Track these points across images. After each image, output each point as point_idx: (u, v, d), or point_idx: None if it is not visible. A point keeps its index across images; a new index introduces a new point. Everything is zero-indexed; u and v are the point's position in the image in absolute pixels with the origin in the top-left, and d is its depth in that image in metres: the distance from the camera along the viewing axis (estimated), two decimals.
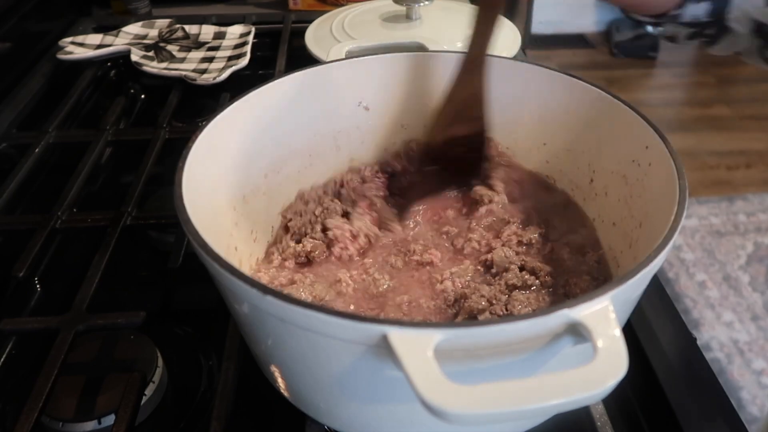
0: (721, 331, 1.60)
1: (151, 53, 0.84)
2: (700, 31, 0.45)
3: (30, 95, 0.78)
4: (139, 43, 0.85)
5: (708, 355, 1.52)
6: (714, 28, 0.44)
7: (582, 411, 0.42)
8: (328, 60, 0.51)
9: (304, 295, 0.41)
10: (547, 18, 2.78)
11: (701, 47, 0.48)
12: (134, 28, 0.88)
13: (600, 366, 0.26)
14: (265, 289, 0.29)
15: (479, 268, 0.44)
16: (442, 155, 0.47)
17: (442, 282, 0.42)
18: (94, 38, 0.86)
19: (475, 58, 0.45)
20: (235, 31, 0.88)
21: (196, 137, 0.40)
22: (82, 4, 1.02)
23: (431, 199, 0.49)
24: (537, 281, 0.42)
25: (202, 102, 0.79)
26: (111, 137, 0.68)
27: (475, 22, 0.44)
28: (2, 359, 0.46)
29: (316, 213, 0.48)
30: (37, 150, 0.65)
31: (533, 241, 0.45)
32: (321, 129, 0.51)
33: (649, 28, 0.49)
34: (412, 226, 0.48)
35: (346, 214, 0.48)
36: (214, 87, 0.76)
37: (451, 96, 0.46)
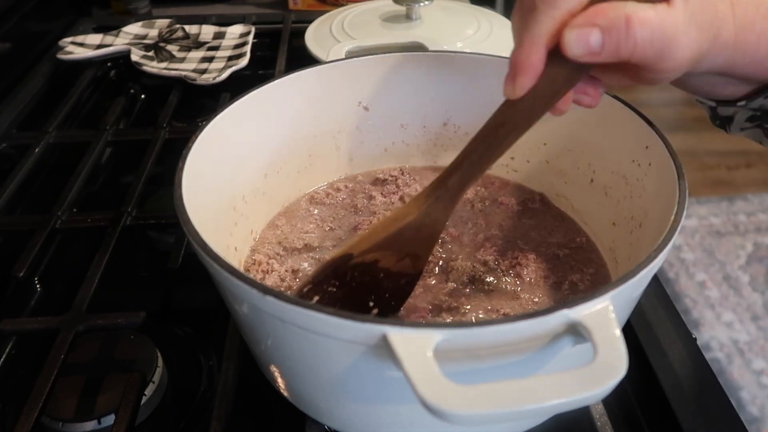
0: (721, 331, 1.60)
1: (151, 53, 0.84)
2: (761, 116, 0.40)
3: (30, 95, 0.78)
4: (139, 43, 0.85)
5: (708, 355, 1.52)
6: None
7: (582, 411, 0.42)
8: (328, 60, 0.51)
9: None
10: None
11: (756, 138, 0.43)
12: (134, 28, 0.88)
13: (600, 366, 0.26)
14: (265, 289, 0.29)
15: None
16: (351, 277, 0.37)
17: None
18: (94, 38, 0.86)
19: (455, 189, 0.37)
20: (235, 31, 0.88)
21: (196, 137, 0.40)
22: (82, 4, 1.03)
23: None
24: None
25: (202, 102, 0.79)
26: (111, 137, 0.68)
27: (475, 141, 0.36)
28: (2, 359, 0.46)
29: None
30: (37, 150, 0.65)
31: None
32: (321, 129, 0.51)
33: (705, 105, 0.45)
34: None
35: None
36: (214, 87, 0.75)
37: (404, 217, 0.37)
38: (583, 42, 0.31)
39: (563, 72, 0.32)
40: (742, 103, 0.40)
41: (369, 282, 0.38)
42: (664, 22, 0.30)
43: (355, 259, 0.37)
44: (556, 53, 0.32)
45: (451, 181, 0.36)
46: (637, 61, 0.31)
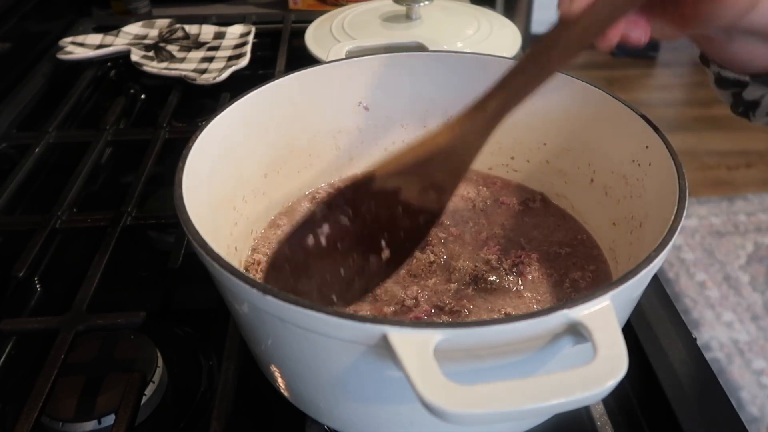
0: (721, 331, 1.60)
1: (151, 53, 0.84)
2: None
3: (30, 95, 0.78)
4: (139, 43, 0.85)
5: (708, 355, 1.52)
6: None
7: (582, 411, 0.42)
8: (328, 60, 0.51)
9: None
10: (547, 18, 2.76)
11: None
12: (134, 28, 0.88)
13: (600, 366, 0.26)
14: (265, 289, 0.29)
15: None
16: (367, 208, 0.35)
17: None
18: (94, 38, 0.86)
19: (493, 113, 0.34)
20: (235, 31, 0.88)
21: (196, 137, 0.40)
22: (82, 4, 1.03)
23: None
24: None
25: (202, 102, 0.79)
26: (111, 137, 0.68)
27: (521, 64, 0.33)
28: (2, 359, 0.46)
29: None
30: (37, 150, 0.65)
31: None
32: (321, 129, 0.51)
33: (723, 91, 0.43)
34: None
35: None
36: (214, 87, 0.75)
37: (435, 139, 0.34)
38: None
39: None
40: None
41: (385, 216, 0.35)
42: None
43: (377, 183, 0.34)
44: None
45: (491, 104, 0.33)
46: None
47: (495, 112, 0.34)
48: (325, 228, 0.34)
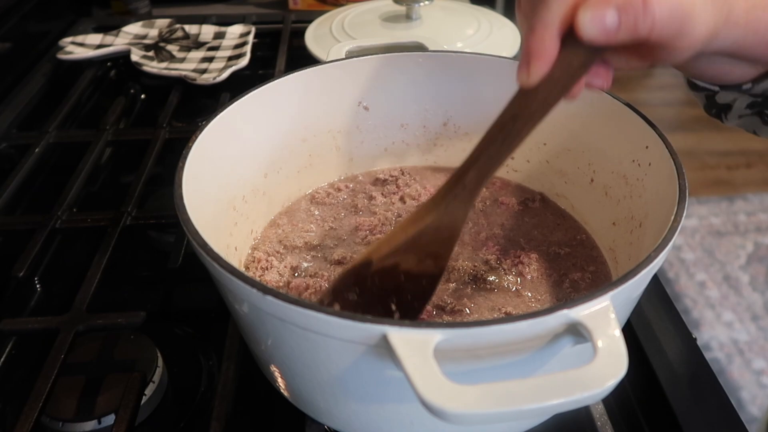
0: (721, 331, 1.60)
1: (151, 53, 0.84)
2: (762, 102, 0.39)
3: (30, 95, 0.78)
4: (139, 43, 0.85)
5: (708, 355, 1.52)
6: None
7: (582, 411, 0.42)
8: (328, 60, 0.51)
9: None
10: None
11: (751, 127, 0.42)
12: (134, 28, 0.88)
13: (600, 366, 0.26)
14: (265, 289, 0.29)
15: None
16: (371, 283, 0.36)
17: None
18: (94, 38, 0.86)
19: (472, 185, 0.35)
20: (235, 31, 0.88)
21: (196, 137, 0.40)
22: (82, 4, 1.03)
23: None
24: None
25: (202, 102, 0.79)
26: (111, 137, 0.68)
27: (490, 134, 0.34)
28: (2, 359, 0.46)
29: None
30: (37, 150, 0.65)
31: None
32: (321, 129, 0.51)
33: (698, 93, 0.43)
34: None
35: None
36: (214, 87, 0.75)
37: (422, 218, 0.36)
38: (598, 23, 0.29)
39: (578, 56, 0.31)
40: (748, 86, 0.38)
41: (390, 286, 0.37)
42: None
43: (375, 266, 0.36)
44: (569, 38, 0.31)
45: (468, 178, 0.35)
46: (655, 40, 0.30)
47: (473, 184, 0.35)
48: (336, 307, 0.36)
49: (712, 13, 0.31)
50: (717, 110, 0.43)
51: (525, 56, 0.32)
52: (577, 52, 0.31)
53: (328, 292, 0.37)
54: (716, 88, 0.41)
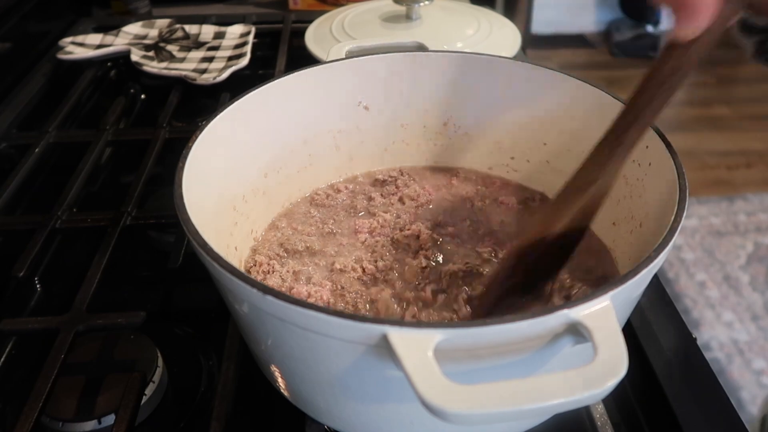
0: (721, 331, 1.60)
1: (151, 53, 0.84)
2: None
3: (30, 95, 0.78)
4: (139, 43, 0.85)
5: (708, 355, 1.52)
6: None
7: (582, 411, 0.42)
8: (328, 60, 0.51)
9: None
10: (547, 18, 2.77)
11: None
12: (134, 28, 0.88)
13: (600, 366, 0.26)
14: (265, 289, 0.29)
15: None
16: (536, 257, 0.37)
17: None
18: (94, 38, 0.86)
19: (631, 143, 0.35)
20: (235, 31, 0.88)
21: (196, 137, 0.40)
22: (82, 4, 1.03)
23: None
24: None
25: (202, 102, 0.79)
26: (111, 137, 0.68)
27: (649, 90, 0.34)
28: (2, 359, 0.46)
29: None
30: (37, 150, 0.65)
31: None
32: (321, 129, 0.51)
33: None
34: None
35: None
36: (214, 87, 0.75)
37: (589, 186, 0.36)
38: None
39: (730, 5, 0.32)
40: None
41: (544, 253, 0.38)
42: None
43: (547, 240, 0.37)
44: None
45: (629, 137, 0.35)
46: None
47: (632, 142, 0.36)
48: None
49: None
50: (766, 56, 0.43)
51: (687, 9, 0.31)
52: (730, 2, 0.31)
53: (497, 277, 0.38)
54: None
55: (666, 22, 2.70)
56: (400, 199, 0.51)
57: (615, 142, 0.36)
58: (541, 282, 0.40)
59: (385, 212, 0.49)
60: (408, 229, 0.47)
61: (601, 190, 0.37)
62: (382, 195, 0.51)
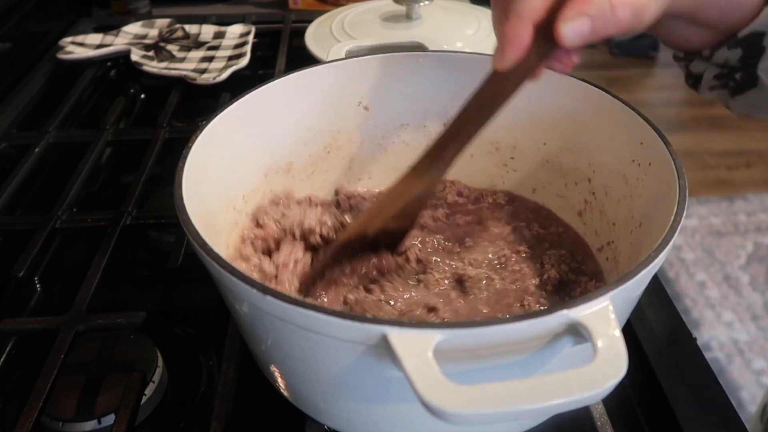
0: (721, 331, 1.60)
1: (151, 53, 0.84)
2: (727, 74, 0.43)
3: (30, 95, 0.78)
4: (139, 43, 0.85)
5: (708, 355, 1.52)
6: (741, 75, 0.43)
7: (582, 411, 0.42)
8: (328, 60, 0.51)
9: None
10: None
11: (722, 99, 0.46)
12: (134, 28, 0.88)
13: (600, 366, 0.26)
14: (265, 289, 0.29)
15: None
16: (360, 247, 0.42)
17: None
18: (94, 38, 0.86)
19: (450, 157, 0.40)
20: (235, 30, 0.88)
21: (196, 137, 0.40)
22: (82, 4, 1.03)
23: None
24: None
25: (202, 102, 0.79)
26: (111, 137, 0.68)
27: (468, 113, 0.39)
28: (2, 359, 0.46)
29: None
30: (37, 150, 0.65)
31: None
32: (321, 129, 0.51)
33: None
34: None
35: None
36: (214, 87, 0.75)
37: (408, 190, 0.41)
38: (577, 32, 0.34)
39: (546, 44, 0.35)
40: (707, 52, 0.42)
41: (372, 243, 0.42)
42: None
43: (369, 236, 0.42)
44: (539, 30, 0.35)
45: (447, 152, 0.40)
46: (615, 34, 0.35)
47: (451, 156, 0.40)
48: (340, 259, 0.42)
49: None
50: (693, 80, 0.46)
51: (501, 43, 0.36)
52: (547, 41, 0.35)
53: (326, 262, 0.42)
54: (681, 54, 0.45)
55: None
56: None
57: (435, 156, 0.40)
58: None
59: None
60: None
61: (422, 196, 0.42)
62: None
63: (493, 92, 0.38)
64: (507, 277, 0.44)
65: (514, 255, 0.45)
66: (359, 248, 0.42)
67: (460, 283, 0.43)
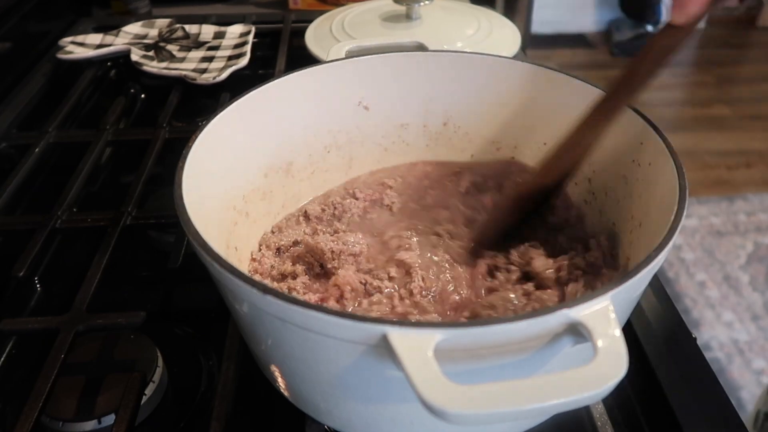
0: (721, 330, 1.60)
1: (151, 53, 0.84)
2: None
3: (30, 95, 0.78)
4: (139, 43, 0.85)
5: (708, 355, 1.52)
6: None
7: (582, 411, 0.42)
8: (328, 60, 0.51)
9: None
10: (547, 18, 2.77)
11: None
12: (134, 28, 0.88)
13: (600, 366, 0.26)
14: (265, 289, 0.29)
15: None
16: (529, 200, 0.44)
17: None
18: (94, 38, 0.86)
19: (619, 110, 0.41)
20: (235, 30, 0.88)
21: (196, 137, 0.40)
22: (82, 4, 1.03)
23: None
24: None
25: (202, 102, 0.79)
26: (111, 137, 0.68)
27: (643, 64, 0.40)
28: (2, 359, 0.46)
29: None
30: (37, 150, 0.65)
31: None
32: (321, 129, 0.51)
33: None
34: None
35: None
36: (214, 87, 0.75)
37: (581, 141, 0.43)
38: None
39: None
40: None
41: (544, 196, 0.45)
42: None
43: (545, 185, 0.44)
44: None
45: (621, 97, 0.41)
46: None
47: (620, 104, 0.41)
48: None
49: None
50: None
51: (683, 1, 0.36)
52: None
53: (498, 221, 0.45)
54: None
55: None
56: (389, 207, 0.51)
57: (610, 108, 0.41)
58: (519, 230, 0.45)
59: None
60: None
61: (585, 150, 0.43)
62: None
63: (670, 44, 0.39)
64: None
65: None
66: (533, 203, 0.44)
67: None
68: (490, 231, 0.46)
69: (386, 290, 0.42)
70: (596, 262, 0.43)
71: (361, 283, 0.42)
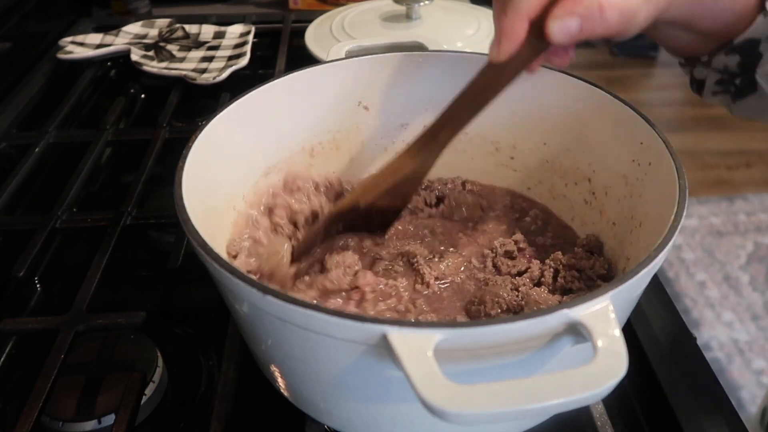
0: (721, 330, 1.60)
1: (151, 53, 0.84)
2: (728, 79, 0.44)
3: (30, 95, 0.78)
4: (139, 43, 0.85)
5: (708, 355, 1.52)
6: (741, 80, 0.43)
7: (582, 411, 0.42)
8: (328, 60, 0.51)
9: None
10: None
11: (725, 104, 0.46)
12: (134, 28, 0.88)
13: (600, 366, 0.26)
14: (265, 289, 0.29)
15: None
16: (352, 219, 0.44)
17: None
18: (94, 38, 0.86)
19: (444, 141, 0.42)
20: (235, 30, 0.88)
21: (196, 137, 0.40)
22: (82, 4, 1.03)
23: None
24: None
25: (202, 102, 0.79)
26: (111, 137, 0.68)
27: (463, 100, 0.41)
28: (2, 359, 0.46)
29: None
30: (37, 150, 0.65)
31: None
32: (321, 129, 0.51)
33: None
34: None
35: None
36: (214, 87, 0.75)
37: (401, 168, 0.43)
38: (565, 30, 0.35)
39: (540, 40, 0.36)
40: (705, 58, 0.43)
41: (364, 217, 0.44)
42: (629, 1, 0.34)
43: (361, 209, 0.44)
44: (534, 25, 0.36)
45: (441, 136, 0.42)
46: (605, 35, 0.36)
47: (445, 140, 0.42)
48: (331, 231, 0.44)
49: (655, 2, 0.36)
50: (696, 86, 0.47)
51: (498, 36, 0.37)
52: (540, 38, 0.36)
53: (318, 230, 0.44)
54: (682, 60, 0.46)
55: None
56: None
57: (430, 139, 0.42)
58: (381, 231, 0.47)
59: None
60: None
61: (414, 177, 0.44)
62: None
63: (488, 82, 0.39)
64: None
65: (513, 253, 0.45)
66: (351, 222, 0.44)
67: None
68: (303, 245, 0.44)
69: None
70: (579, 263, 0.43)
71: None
